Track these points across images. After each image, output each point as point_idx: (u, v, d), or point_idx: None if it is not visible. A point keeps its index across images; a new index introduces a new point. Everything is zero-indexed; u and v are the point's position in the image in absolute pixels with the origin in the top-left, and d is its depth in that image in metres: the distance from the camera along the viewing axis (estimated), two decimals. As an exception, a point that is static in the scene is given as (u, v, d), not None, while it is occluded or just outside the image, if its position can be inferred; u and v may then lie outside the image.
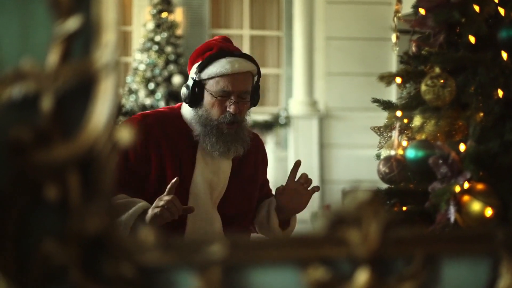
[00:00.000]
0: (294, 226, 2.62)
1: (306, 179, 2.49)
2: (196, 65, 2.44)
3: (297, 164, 2.51)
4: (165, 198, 2.24)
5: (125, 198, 2.32)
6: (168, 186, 2.27)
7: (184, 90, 2.46)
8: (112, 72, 0.92)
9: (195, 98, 2.42)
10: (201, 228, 2.42)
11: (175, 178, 2.28)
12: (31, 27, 0.97)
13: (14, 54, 0.96)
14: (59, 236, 0.92)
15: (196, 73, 2.43)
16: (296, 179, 2.50)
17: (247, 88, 2.44)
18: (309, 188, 2.51)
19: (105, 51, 0.93)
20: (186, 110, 2.48)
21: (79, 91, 0.93)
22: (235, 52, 2.45)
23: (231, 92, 2.40)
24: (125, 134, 0.90)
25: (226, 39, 2.56)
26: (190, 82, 2.44)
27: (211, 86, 2.41)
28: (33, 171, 0.90)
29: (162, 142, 2.41)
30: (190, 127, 2.45)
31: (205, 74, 2.41)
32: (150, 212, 2.27)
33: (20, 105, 0.93)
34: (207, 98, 2.42)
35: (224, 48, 2.45)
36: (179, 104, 2.56)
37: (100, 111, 0.91)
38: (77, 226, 0.91)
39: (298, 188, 2.48)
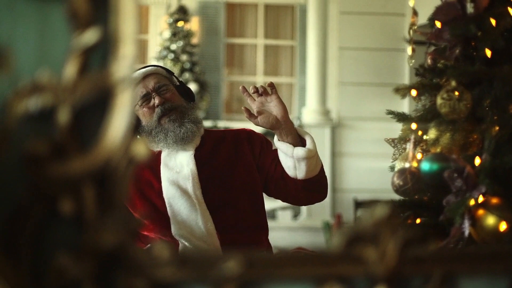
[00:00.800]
0: (312, 144, 2.48)
1: (261, 89, 2.46)
2: None
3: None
4: None
5: None
6: None
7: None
8: (129, 86, 0.92)
9: (137, 126, 2.49)
10: (185, 227, 2.42)
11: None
12: (48, 39, 0.97)
13: (31, 66, 0.95)
14: (74, 250, 0.92)
15: None
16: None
17: (160, 82, 2.51)
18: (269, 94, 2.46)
19: (122, 64, 0.93)
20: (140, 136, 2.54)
21: (96, 105, 0.92)
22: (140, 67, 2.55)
23: (147, 93, 2.48)
24: (141, 149, 0.90)
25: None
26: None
27: (137, 104, 2.49)
28: (48, 184, 0.90)
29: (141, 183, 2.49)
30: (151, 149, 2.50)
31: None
32: None
33: (36, 117, 0.92)
34: (140, 115, 2.49)
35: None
36: None
37: (117, 125, 0.91)
38: (91, 240, 0.90)
39: (261, 101, 2.46)
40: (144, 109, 2.48)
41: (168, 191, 2.44)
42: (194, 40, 8.02)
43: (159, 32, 8.10)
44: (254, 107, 2.47)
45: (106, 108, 0.93)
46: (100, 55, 0.94)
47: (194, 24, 8.11)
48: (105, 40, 0.94)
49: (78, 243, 0.92)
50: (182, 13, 7.90)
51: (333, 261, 0.96)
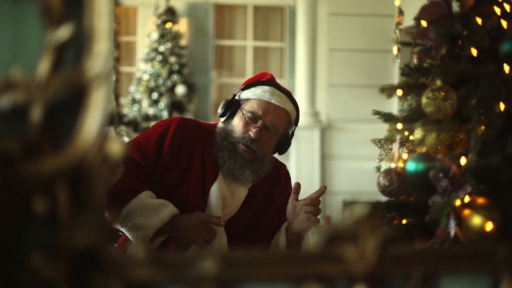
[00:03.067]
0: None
1: (310, 201, 2.53)
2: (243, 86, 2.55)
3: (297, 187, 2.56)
4: (206, 231, 2.36)
5: (151, 195, 2.38)
6: (212, 219, 2.38)
7: (221, 104, 2.55)
8: (103, 83, 0.90)
9: (228, 113, 2.51)
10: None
11: (223, 221, 2.42)
12: (22, 36, 0.95)
13: (4, 63, 0.94)
14: (48, 250, 0.90)
15: (239, 92, 2.54)
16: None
17: (276, 122, 2.50)
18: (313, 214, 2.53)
19: (97, 61, 0.91)
20: (219, 127, 2.55)
21: (70, 102, 0.91)
22: (282, 88, 2.55)
23: (259, 117, 2.46)
24: (116, 147, 0.88)
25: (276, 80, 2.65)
26: (231, 98, 2.54)
27: (245, 105, 2.49)
28: (21, 183, 0.88)
29: (197, 145, 2.49)
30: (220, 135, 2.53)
31: (245, 94, 2.52)
32: (186, 235, 2.36)
33: (9, 115, 0.91)
34: (238, 116, 2.49)
35: (274, 82, 2.55)
36: (215, 122, 2.63)
37: (91, 123, 0.89)
38: (66, 240, 0.89)
39: (303, 209, 2.53)
40: (243, 120, 2.47)
41: (212, 199, 2.47)
42: (183, 42, 8.01)
43: (147, 34, 8.08)
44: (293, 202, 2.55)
45: (80, 106, 0.91)
46: (74, 52, 0.93)
47: (182, 26, 8.11)
48: (79, 36, 0.92)
49: (52, 243, 0.90)
50: (171, 14, 7.89)
51: (312, 260, 0.95)
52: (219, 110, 2.54)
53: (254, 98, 2.47)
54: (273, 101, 2.48)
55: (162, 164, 2.44)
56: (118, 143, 0.90)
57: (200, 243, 2.35)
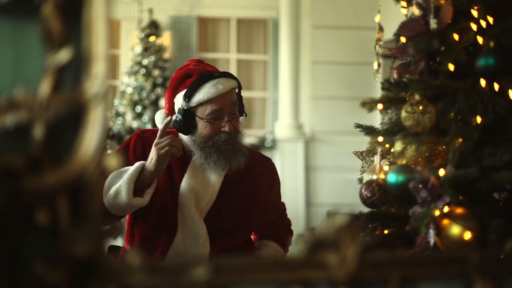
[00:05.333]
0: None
1: None
2: (181, 94, 2.50)
3: None
4: (162, 139, 2.36)
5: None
6: (161, 128, 2.40)
7: (175, 121, 2.50)
8: (101, 102, 0.97)
9: (188, 126, 2.49)
10: (187, 236, 2.48)
11: (168, 118, 2.44)
12: (24, 58, 1.01)
13: (7, 84, 1.00)
14: (50, 259, 0.95)
15: (183, 102, 2.48)
16: None
17: (234, 104, 2.51)
18: None
19: (95, 82, 0.97)
20: (185, 141, 2.54)
21: (70, 120, 0.97)
22: (214, 73, 2.52)
23: (222, 113, 2.47)
24: (113, 162, 0.94)
25: (199, 61, 2.63)
26: (179, 113, 2.49)
27: (201, 112, 2.47)
28: (25, 196, 0.94)
29: None
30: (186, 147, 2.52)
31: (193, 102, 2.48)
32: (153, 158, 2.36)
33: (12, 133, 0.97)
34: (200, 124, 2.48)
35: (203, 72, 2.52)
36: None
37: (90, 140, 0.95)
38: (66, 249, 0.95)
39: None
40: (209, 124, 2.48)
41: (182, 195, 2.49)
42: (166, 55, 8.04)
43: (130, 47, 8.10)
44: None
45: (79, 124, 0.97)
46: (73, 73, 0.99)
47: (166, 39, 8.14)
48: (78, 59, 0.98)
49: (54, 252, 0.96)
50: (154, 28, 7.92)
51: (297, 266, 1.01)
52: (178, 128, 2.51)
53: (205, 101, 2.46)
54: (221, 92, 2.47)
55: None
56: (115, 158, 0.96)
57: (166, 152, 2.35)
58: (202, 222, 2.49)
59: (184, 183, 2.49)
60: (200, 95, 2.47)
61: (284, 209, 2.83)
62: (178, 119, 2.49)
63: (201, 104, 2.47)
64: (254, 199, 2.62)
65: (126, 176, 2.34)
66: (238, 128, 2.54)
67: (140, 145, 2.51)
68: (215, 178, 2.53)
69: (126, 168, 2.38)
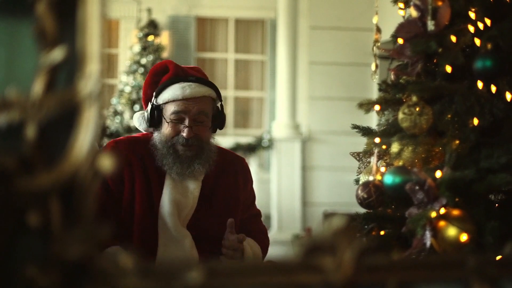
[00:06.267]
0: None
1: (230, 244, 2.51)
2: (153, 92, 2.51)
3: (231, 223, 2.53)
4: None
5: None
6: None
7: (144, 114, 2.54)
8: (95, 102, 0.95)
9: (154, 121, 2.50)
10: (172, 248, 2.46)
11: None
12: (16, 57, 1.00)
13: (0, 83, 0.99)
14: (41, 261, 0.94)
15: (153, 98, 2.50)
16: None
17: (201, 112, 2.48)
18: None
19: (88, 81, 0.96)
20: (155, 136, 2.54)
21: (63, 120, 0.96)
22: (189, 77, 2.50)
23: (183, 117, 2.46)
24: (106, 162, 0.93)
25: (190, 67, 2.62)
26: (149, 107, 2.51)
27: (165, 111, 2.49)
28: (16, 197, 0.92)
29: (133, 166, 2.48)
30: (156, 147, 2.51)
31: (160, 99, 2.49)
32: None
33: (4, 133, 0.95)
34: (164, 122, 2.49)
35: (179, 72, 2.52)
36: (148, 133, 2.60)
37: (83, 140, 0.94)
38: (58, 251, 0.93)
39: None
40: (170, 125, 2.48)
41: (164, 207, 2.46)
42: (165, 55, 8.05)
43: (129, 46, 8.12)
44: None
45: (72, 124, 0.96)
46: (67, 72, 0.97)
47: (164, 38, 8.15)
48: (71, 58, 0.97)
49: (45, 254, 0.95)
50: (153, 27, 7.93)
51: (293, 270, 1.00)
52: (145, 120, 2.52)
53: (171, 101, 2.46)
54: (187, 96, 2.46)
55: (112, 197, 2.45)
56: (108, 159, 0.95)
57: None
58: (186, 231, 2.48)
59: (165, 195, 2.47)
60: (167, 94, 2.48)
61: (259, 214, 2.78)
62: (146, 113, 2.52)
63: (166, 103, 2.48)
64: (235, 198, 2.61)
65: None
66: (202, 137, 2.50)
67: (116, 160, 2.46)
68: (194, 185, 2.53)
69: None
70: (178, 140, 2.47)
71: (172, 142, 2.47)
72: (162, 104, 2.49)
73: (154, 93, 2.50)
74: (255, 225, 2.70)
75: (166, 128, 2.48)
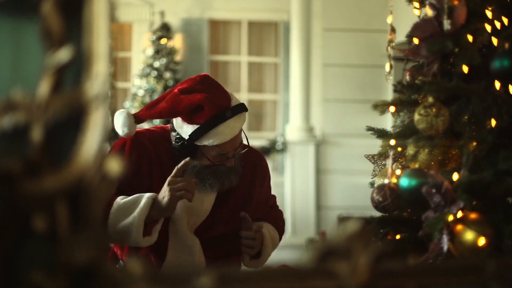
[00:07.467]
0: (266, 257, 2.60)
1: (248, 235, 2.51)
2: (188, 129, 2.39)
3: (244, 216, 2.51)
4: (178, 180, 2.29)
5: (124, 198, 2.34)
6: (178, 167, 2.31)
7: (176, 144, 2.43)
8: (102, 103, 0.93)
9: (188, 155, 2.40)
10: (181, 252, 2.44)
11: (188, 158, 2.34)
12: (22, 58, 0.98)
13: (5, 84, 0.96)
14: (48, 266, 0.92)
15: (188, 138, 2.39)
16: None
17: (240, 142, 2.47)
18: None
19: (95, 82, 0.94)
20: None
21: (69, 122, 0.93)
22: (226, 113, 2.40)
23: (227, 155, 2.42)
24: (115, 165, 0.90)
25: (210, 84, 2.46)
26: (182, 144, 2.40)
27: (207, 151, 2.40)
28: (22, 201, 0.90)
29: (153, 159, 2.44)
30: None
31: (200, 142, 2.38)
32: (166, 197, 2.29)
33: (10, 135, 0.93)
34: (203, 158, 2.41)
35: (215, 110, 2.38)
36: (168, 125, 2.53)
37: (90, 142, 0.92)
38: (65, 256, 0.91)
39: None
40: (214, 160, 2.41)
41: (177, 213, 2.43)
42: (178, 58, 8.04)
43: (142, 50, 8.11)
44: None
45: (79, 126, 0.93)
46: (73, 73, 0.95)
47: (177, 41, 8.14)
48: (78, 58, 0.95)
49: (52, 259, 0.92)
50: (165, 30, 7.92)
51: (306, 275, 0.97)
52: (176, 150, 2.42)
53: (215, 145, 2.38)
54: (229, 137, 2.39)
55: (126, 184, 2.40)
56: (116, 161, 0.92)
57: (180, 195, 2.28)
58: (194, 237, 2.47)
59: (180, 202, 2.39)
60: (209, 140, 2.38)
61: (275, 201, 2.78)
62: (178, 147, 2.42)
63: (210, 146, 2.39)
64: (248, 195, 2.57)
65: (137, 217, 2.27)
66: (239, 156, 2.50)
67: (136, 152, 2.42)
68: (210, 195, 2.49)
69: (131, 199, 2.32)
70: (218, 166, 2.44)
71: (212, 168, 2.43)
72: (201, 145, 2.40)
73: (189, 135, 2.38)
74: (272, 213, 2.73)
75: (206, 162, 2.42)
